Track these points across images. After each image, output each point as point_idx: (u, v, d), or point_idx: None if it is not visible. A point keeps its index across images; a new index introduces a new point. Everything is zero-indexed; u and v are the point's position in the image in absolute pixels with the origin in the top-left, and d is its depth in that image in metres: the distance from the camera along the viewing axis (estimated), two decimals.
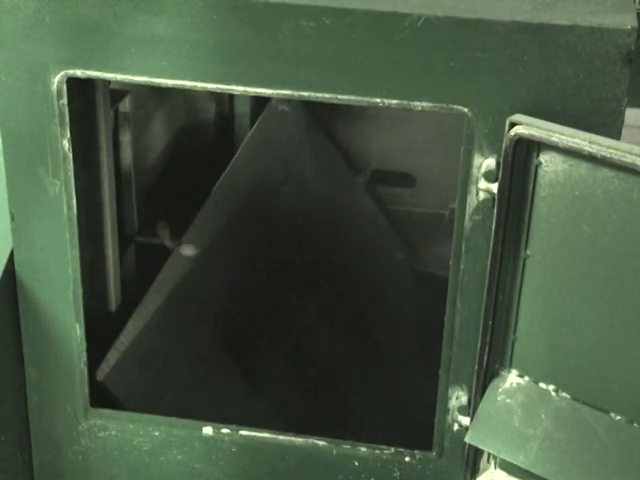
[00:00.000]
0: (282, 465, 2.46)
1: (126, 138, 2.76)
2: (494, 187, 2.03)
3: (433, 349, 2.40)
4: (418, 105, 2.03)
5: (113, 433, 2.48)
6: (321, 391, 3.31)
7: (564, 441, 2.04)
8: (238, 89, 2.09)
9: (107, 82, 2.45)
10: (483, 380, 2.16)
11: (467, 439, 2.15)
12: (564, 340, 2.04)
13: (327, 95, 2.06)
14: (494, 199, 2.03)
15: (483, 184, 2.05)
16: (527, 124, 1.92)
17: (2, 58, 2.12)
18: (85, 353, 2.38)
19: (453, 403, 2.28)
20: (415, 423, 2.59)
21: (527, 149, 1.96)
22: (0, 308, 2.34)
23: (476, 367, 2.16)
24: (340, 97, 2.06)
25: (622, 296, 1.94)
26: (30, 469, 2.56)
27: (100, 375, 2.55)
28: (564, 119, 1.95)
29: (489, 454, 2.22)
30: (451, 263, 2.16)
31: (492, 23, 1.95)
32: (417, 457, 2.38)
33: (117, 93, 2.67)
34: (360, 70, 2.02)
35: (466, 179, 2.07)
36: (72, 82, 2.14)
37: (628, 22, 1.92)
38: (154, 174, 3.39)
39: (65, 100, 2.14)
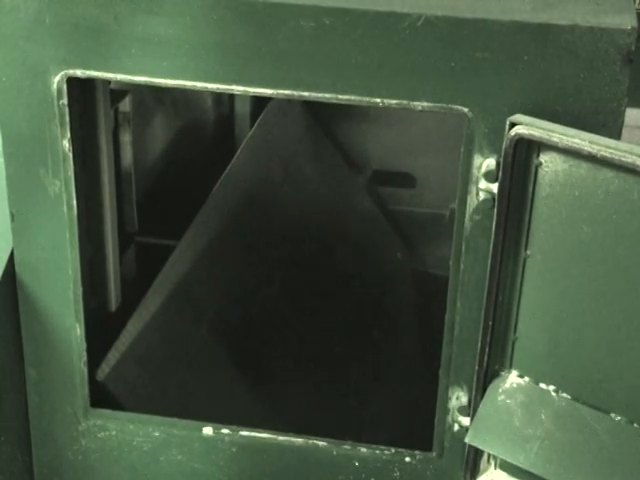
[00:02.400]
0: (282, 465, 2.46)
1: (126, 138, 2.75)
2: (494, 187, 2.03)
3: (433, 349, 2.40)
4: (418, 105, 2.04)
5: (113, 433, 2.48)
6: (321, 391, 3.31)
7: (564, 441, 2.04)
8: (238, 89, 2.09)
9: (107, 82, 2.45)
10: (483, 380, 2.16)
11: (467, 439, 2.15)
12: (564, 340, 2.04)
13: (327, 95, 2.06)
14: (494, 199, 2.03)
15: (483, 184, 2.05)
16: (527, 124, 1.92)
17: (2, 58, 2.12)
18: (85, 353, 2.39)
19: (453, 403, 2.28)
20: (415, 423, 2.59)
21: (527, 149, 1.96)
22: (0, 308, 2.34)
23: (476, 367, 2.16)
24: (340, 97, 2.06)
25: (622, 296, 1.94)
26: (30, 469, 2.56)
27: (100, 375, 2.55)
28: (564, 119, 1.95)
29: (489, 454, 2.22)
30: (451, 263, 2.16)
31: (492, 23, 1.95)
32: (417, 457, 2.38)
33: (117, 93, 2.67)
34: (360, 70, 2.02)
35: (466, 179, 2.07)
36: (72, 82, 2.14)
37: (628, 22, 1.92)
38: (154, 174, 3.39)
39: (65, 100, 2.14)
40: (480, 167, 2.05)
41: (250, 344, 3.14)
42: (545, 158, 1.95)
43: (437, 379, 2.28)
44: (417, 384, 3.44)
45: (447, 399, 2.28)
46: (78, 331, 2.36)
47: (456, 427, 2.29)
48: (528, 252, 2.03)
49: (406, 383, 3.59)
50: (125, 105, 2.73)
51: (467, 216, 2.10)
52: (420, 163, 3.87)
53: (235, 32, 2.03)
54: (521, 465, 2.06)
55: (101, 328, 2.58)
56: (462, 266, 2.15)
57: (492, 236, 2.04)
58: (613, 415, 2.02)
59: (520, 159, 1.96)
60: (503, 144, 1.96)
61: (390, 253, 3.90)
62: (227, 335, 3.07)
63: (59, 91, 2.13)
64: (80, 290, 2.32)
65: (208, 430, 2.45)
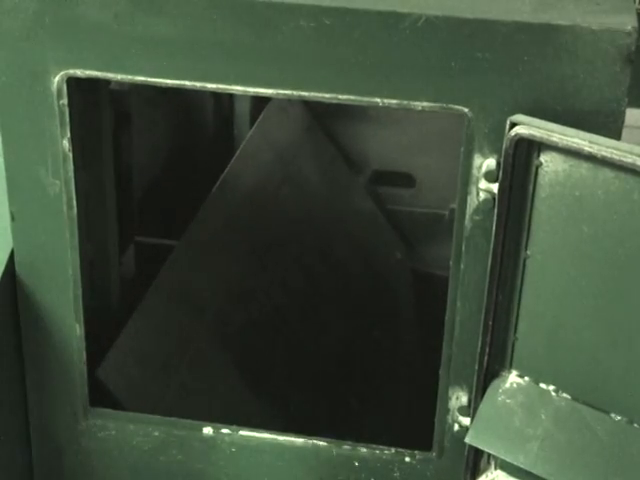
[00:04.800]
0: (282, 465, 2.46)
1: (126, 138, 2.75)
2: (494, 187, 2.03)
3: (433, 349, 2.40)
4: (418, 105, 2.03)
5: (113, 433, 2.48)
6: (321, 391, 3.31)
7: (564, 441, 2.04)
8: (238, 89, 2.09)
9: (107, 82, 2.45)
10: (483, 380, 2.16)
11: (467, 439, 2.15)
12: (564, 340, 2.04)
13: (327, 95, 2.06)
14: (494, 199, 2.03)
15: (483, 184, 2.05)
16: (527, 124, 1.92)
17: (2, 58, 2.12)
18: (85, 352, 2.38)
19: (453, 403, 2.28)
20: (415, 423, 2.59)
21: (527, 149, 1.96)
22: (0, 308, 2.34)
23: (476, 367, 2.16)
24: (340, 97, 2.06)
25: (622, 296, 1.94)
26: (30, 469, 2.56)
27: (100, 375, 2.55)
28: (564, 119, 1.95)
29: (489, 454, 2.22)
30: (451, 263, 2.16)
31: (492, 23, 1.95)
32: (417, 457, 2.38)
33: (117, 93, 2.67)
34: (360, 70, 2.02)
35: (466, 179, 2.07)
36: (72, 82, 2.14)
37: (628, 22, 1.91)
38: (154, 174, 3.39)
39: (65, 100, 2.14)
40: (480, 167, 2.05)
41: (250, 344, 3.14)
42: (545, 158, 1.95)
43: (437, 379, 2.28)
44: (417, 384, 3.44)
45: (447, 399, 2.28)
46: (78, 331, 2.36)
47: (456, 427, 2.29)
48: (528, 252, 2.03)
49: (406, 383, 3.59)
50: (125, 105, 2.73)
51: (467, 216, 2.10)
52: (420, 163, 3.87)
53: (235, 32, 2.03)
54: (521, 465, 2.06)
55: (101, 328, 2.58)
56: (462, 266, 2.15)
57: (492, 236, 2.04)
58: (613, 415, 2.02)
59: (520, 159, 1.96)
60: (503, 144, 1.96)
61: (390, 253, 3.90)
62: (227, 335, 3.07)
63: (59, 91, 2.13)
64: (80, 290, 2.32)
65: (208, 430, 2.45)
